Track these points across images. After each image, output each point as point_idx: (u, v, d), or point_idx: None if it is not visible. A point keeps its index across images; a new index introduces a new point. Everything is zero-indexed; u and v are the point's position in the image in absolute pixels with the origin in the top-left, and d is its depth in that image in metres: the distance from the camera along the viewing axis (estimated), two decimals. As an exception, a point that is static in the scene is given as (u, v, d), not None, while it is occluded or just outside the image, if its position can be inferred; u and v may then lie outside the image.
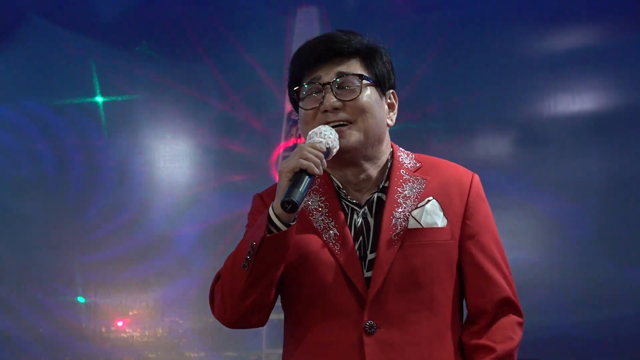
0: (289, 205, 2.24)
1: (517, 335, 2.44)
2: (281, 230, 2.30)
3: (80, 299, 5.49)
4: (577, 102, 5.36)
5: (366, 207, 2.47)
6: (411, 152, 2.57)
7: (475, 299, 2.45)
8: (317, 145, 2.33)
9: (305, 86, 2.47)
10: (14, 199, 5.47)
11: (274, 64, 5.39)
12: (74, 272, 5.45)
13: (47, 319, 5.46)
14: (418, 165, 2.52)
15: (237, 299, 2.36)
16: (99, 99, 5.53)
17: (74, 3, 5.59)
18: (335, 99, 2.43)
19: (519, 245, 5.21)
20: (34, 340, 5.45)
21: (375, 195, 2.48)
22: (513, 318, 2.45)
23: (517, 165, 5.39)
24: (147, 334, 5.45)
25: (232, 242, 2.44)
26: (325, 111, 2.43)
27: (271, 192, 2.49)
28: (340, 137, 2.40)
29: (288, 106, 5.41)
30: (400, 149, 2.56)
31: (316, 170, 2.29)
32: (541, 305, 4.93)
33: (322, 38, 2.49)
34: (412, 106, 5.32)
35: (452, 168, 2.54)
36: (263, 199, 2.54)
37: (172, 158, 5.55)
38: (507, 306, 2.45)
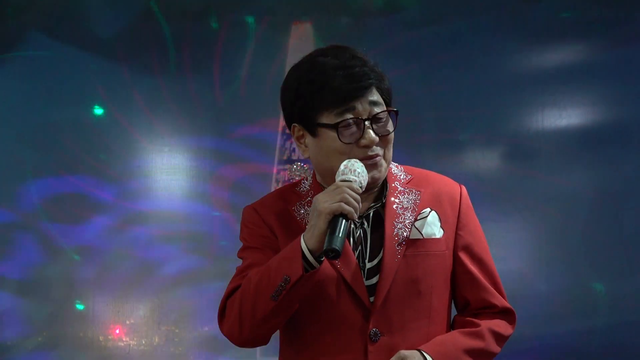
0: (332, 254, 2.27)
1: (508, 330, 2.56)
2: (315, 267, 2.35)
3: (79, 306, 5.52)
4: (564, 117, 5.42)
5: (364, 219, 2.52)
6: (399, 164, 2.64)
7: (473, 302, 2.56)
8: (354, 186, 2.36)
9: (345, 118, 2.44)
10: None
11: (269, 80, 5.41)
12: (73, 281, 5.49)
13: (46, 328, 5.50)
14: (409, 177, 2.59)
15: (257, 324, 2.41)
16: (99, 111, 5.58)
17: (73, 19, 5.61)
18: (374, 136, 2.46)
19: (507, 256, 5.26)
20: (33, 349, 5.48)
21: (372, 208, 2.53)
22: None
23: (506, 178, 5.44)
24: (143, 342, 5.48)
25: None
26: (365, 146, 2.45)
27: (263, 203, 2.56)
28: (374, 169, 2.45)
29: (282, 121, 5.44)
30: (392, 162, 2.61)
31: (355, 217, 2.33)
32: (529, 315, 4.92)
33: (352, 71, 2.44)
34: (402, 120, 5.35)
35: (441, 179, 2.62)
36: (257, 212, 2.55)
37: (169, 171, 5.59)
38: (504, 314, 2.56)
